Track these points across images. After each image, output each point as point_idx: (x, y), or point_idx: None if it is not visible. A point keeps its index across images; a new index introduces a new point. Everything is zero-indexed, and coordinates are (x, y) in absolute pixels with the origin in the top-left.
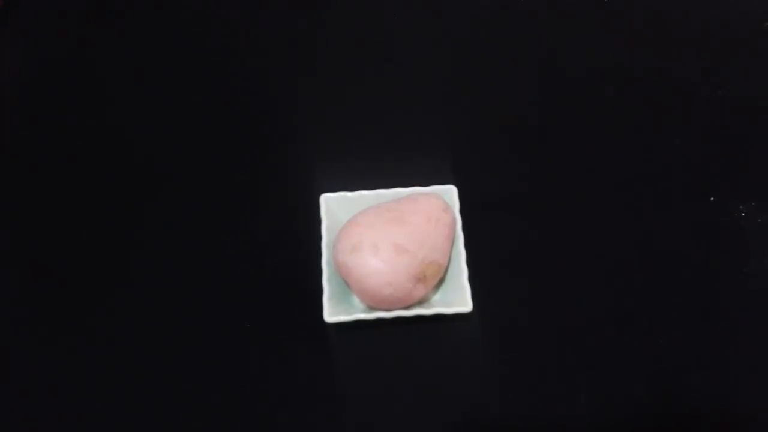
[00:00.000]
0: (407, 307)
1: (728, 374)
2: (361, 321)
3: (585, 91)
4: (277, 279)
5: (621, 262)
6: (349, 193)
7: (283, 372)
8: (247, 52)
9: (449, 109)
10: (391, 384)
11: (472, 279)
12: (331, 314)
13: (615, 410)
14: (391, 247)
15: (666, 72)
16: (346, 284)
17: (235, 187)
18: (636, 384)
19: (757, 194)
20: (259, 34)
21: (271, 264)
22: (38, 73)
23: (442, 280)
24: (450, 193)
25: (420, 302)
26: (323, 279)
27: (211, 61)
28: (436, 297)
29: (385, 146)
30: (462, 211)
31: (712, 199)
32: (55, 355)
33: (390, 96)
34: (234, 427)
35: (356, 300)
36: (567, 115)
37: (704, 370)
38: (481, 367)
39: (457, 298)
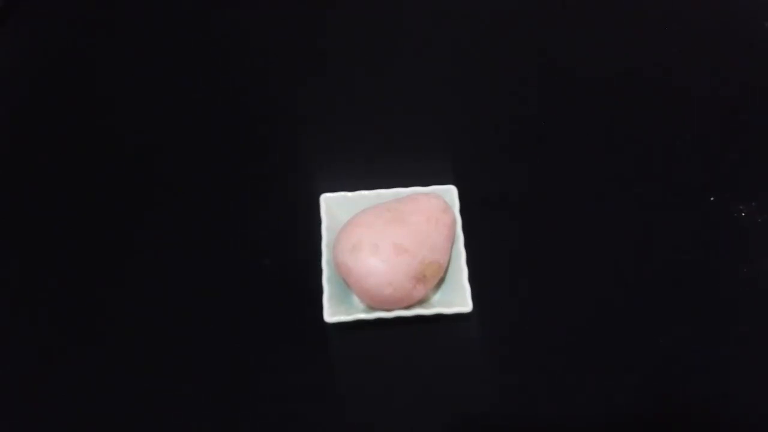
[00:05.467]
0: (407, 307)
1: (728, 374)
2: (361, 321)
3: (585, 91)
4: (277, 279)
5: (621, 263)
6: (349, 193)
7: (283, 372)
8: (248, 52)
9: (449, 109)
10: (391, 384)
11: (472, 279)
12: (331, 314)
13: (615, 410)
14: (390, 247)
15: (666, 72)
16: (346, 284)
17: (235, 187)
18: (636, 384)
19: (757, 194)
20: (260, 35)
21: (271, 264)
22: (37, 73)
23: (442, 280)
24: (450, 193)
25: (420, 302)
26: (323, 279)
27: (211, 61)
28: (436, 297)
29: (385, 146)
30: (462, 211)
31: (712, 199)
32: (52, 355)
33: (390, 96)
34: (234, 427)
35: (356, 300)
36: (567, 116)
37: (704, 370)
38: (481, 367)
39: (457, 298)
